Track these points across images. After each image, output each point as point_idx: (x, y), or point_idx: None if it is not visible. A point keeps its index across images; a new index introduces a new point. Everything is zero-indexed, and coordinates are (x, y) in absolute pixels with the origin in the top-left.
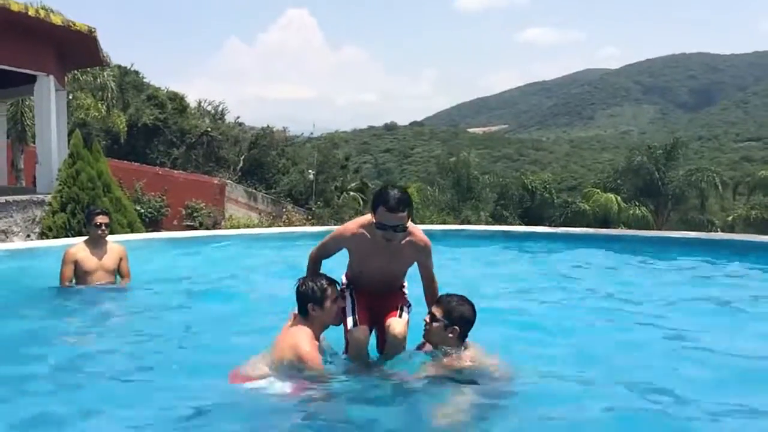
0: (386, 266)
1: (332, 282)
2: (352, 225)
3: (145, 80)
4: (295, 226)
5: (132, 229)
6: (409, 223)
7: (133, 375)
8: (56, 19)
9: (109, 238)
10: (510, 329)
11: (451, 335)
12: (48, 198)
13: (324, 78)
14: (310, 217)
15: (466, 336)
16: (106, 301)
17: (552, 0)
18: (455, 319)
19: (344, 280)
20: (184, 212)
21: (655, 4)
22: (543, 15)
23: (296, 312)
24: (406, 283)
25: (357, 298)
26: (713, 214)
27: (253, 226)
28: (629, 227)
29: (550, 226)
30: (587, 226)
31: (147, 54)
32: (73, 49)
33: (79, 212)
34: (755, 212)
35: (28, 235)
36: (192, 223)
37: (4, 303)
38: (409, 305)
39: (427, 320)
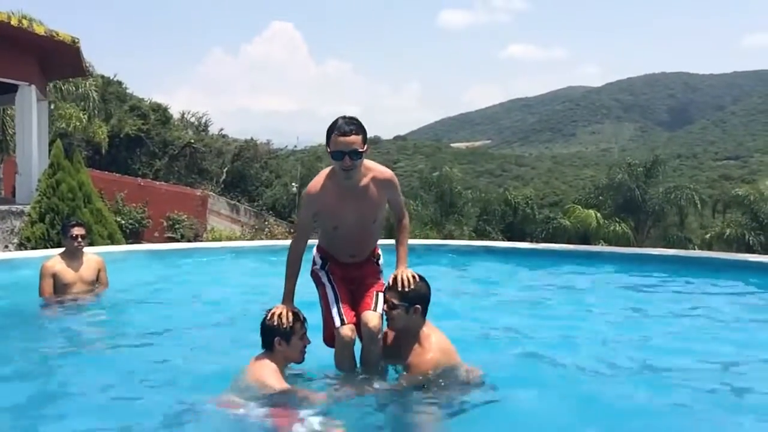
0: (359, 211)
1: (299, 318)
2: (314, 181)
3: (128, 91)
4: (278, 239)
5: (112, 241)
6: (369, 162)
7: (110, 390)
8: (39, 30)
9: (90, 249)
10: (490, 342)
11: (414, 315)
12: (27, 209)
13: (308, 90)
14: (292, 230)
15: (426, 312)
16: (86, 315)
17: (534, 18)
18: (413, 299)
19: (316, 254)
20: (165, 224)
21: (636, 24)
22: (525, 32)
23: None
24: (380, 252)
25: (336, 282)
26: (692, 232)
27: (236, 239)
28: (609, 243)
29: (532, 241)
30: (568, 242)
31: (131, 64)
32: (56, 60)
33: (58, 223)
34: (729, 230)
35: (6, 246)
36: (173, 235)
37: None
38: (384, 287)
39: (387, 309)
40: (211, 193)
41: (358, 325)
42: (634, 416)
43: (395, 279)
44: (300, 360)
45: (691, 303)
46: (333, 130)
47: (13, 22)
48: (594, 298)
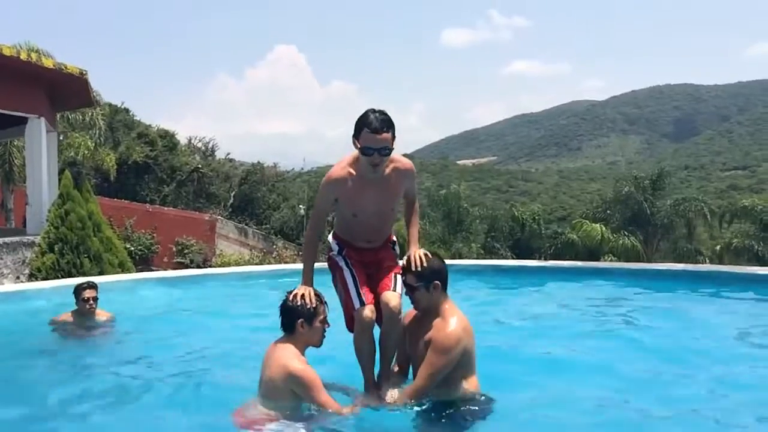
0: (379, 200)
1: (321, 300)
2: (335, 168)
3: (135, 118)
4: (286, 262)
5: (123, 269)
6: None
7: (130, 416)
8: (48, 63)
9: (101, 279)
10: (499, 365)
11: (435, 291)
12: (38, 239)
13: (313, 112)
14: (300, 253)
15: (446, 286)
16: (99, 344)
17: (536, 34)
18: (429, 276)
19: (332, 240)
20: (174, 249)
21: (638, 37)
22: (528, 48)
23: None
24: (394, 237)
25: (354, 265)
26: (702, 243)
27: (244, 263)
28: (618, 257)
29: (540, 257)
30: (576, 256)
31: (137, 91)
32: (65, 91)
33: (67, 252)
34: (737, 240)
35: (18, 277)
36: (182, 260)
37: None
38: (400, 270)
39: (408, 293)
40: (220, 217)
41: (377, 306)
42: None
43: (408, 260)
44: (319, 344)
45: (702, 318)
46: (364, 125)
47: (23, 56)
48: (593, 313)
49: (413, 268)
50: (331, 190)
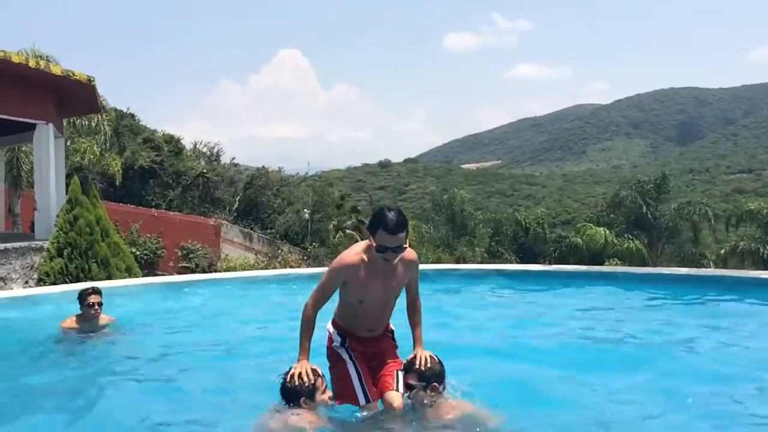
0: (386, 288)
1: (318, 374)
2: (348, 254)
3: (141, 123)
4: (291, 267)
5: (130, 274)
6: None
7: (133, 419)
8: (56, 70)
9: (108, 284)
10: (502, 372)
11: (432, 393)
12: (46, 244)
13: (317, 117)
14: (305, 257)
15: (442, 388)
16: (107, 349)
17: (540, 37)
18: (430, 378)
19: (332, 329)
20: (180, 253)
21: (642, 40)
22: (531, 52)
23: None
24: (392, 327)
25: (357, 359)
26: (707, 247)
27: (249, 268)
28: (623, 261)
29: (544, 261)
30: (581, 260)
31: (143, 96)
32: (72, 98)
33: (76, 257)
34: (743, 243)
35: (27, 282)
36: (188, 265)
37: (9, 353)
38: (402, 366)
39: (406, 390)
40: (225, 221)
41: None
42: None
43: (413, 360)
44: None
45: (705, 321)
46: (381, 225)
47: (31, 63)
48: (619, 320)
49: (417, 368)
50: (343, 273)
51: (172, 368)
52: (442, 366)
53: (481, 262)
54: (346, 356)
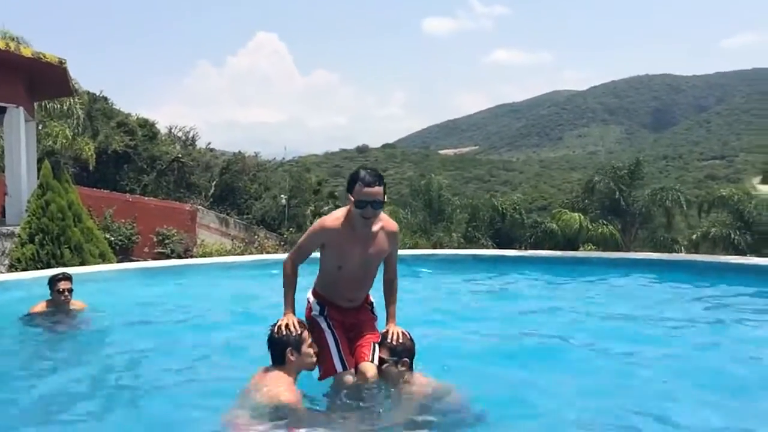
0: (365, 255)
1: (305, 326)
2: (329, 218)
3: (114, 107)
4: (268, 252)
5: (104, 259)
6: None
7: (111, 411)
8: (26, 52)
9: (81, 269)
10: (481, 352)
11: (403, 368)
12: (17, 230)
13: (295, 101)
14: (282, 243)
15: (412, 365)
16: (79, 336)
17: (517, 23)
18: (401, 353)
19: (312, 299)
20: (155, 239)
21: (619, 27)
22: (509, 38)
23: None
24: (372, 299)
25: (335, 328)
26: (679, 232)
27: (226, 253)
28: (597, 245)
29: (520, 247)
30: (556, 246)
31: (116, 79)
32: (43, 80)
33: (47, 243)
34: (715, 229)
35: None
36: (163, 250)
37: None
38: (378, 339)
39: (379, 366)
40: (201, 207)
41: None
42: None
43: (385, 335)
44: (312, 367)
45: (677, 305)
46: (357, 180)
47: (0, 45)
48: (574, 303)
49: (388, 343)
50: (321, 236)
51: (143, 353)
52: (413, 342)
53: (458, 248)
54: (324, 324)
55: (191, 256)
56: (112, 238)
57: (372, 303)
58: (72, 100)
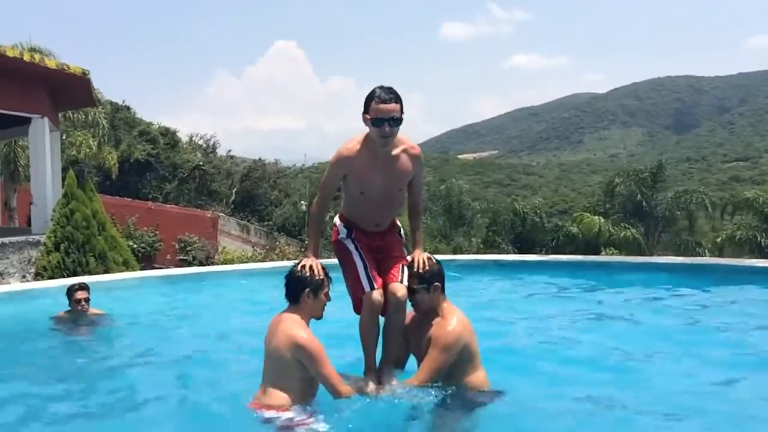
0: (387, 178)
1: (327, 273)
2: (346, 144)
3: (136, 116)
4: (289, 259)
5: (127, 267)
6: (400, 134)
7: (133, 412)
8: (51, 63)
9: (104, 278)
10: (503, 357)
11: (435, 293)
12: (43, 238)
13: (313, 108)
14: (303, 249)
15: (444, 288)
16: (105, 342)
17: (537, 27)
18: (430, 279)
19: (339, 223)
20: (177, 246)
21: (638, 28)
22: (528, 42)
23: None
24: (399, 223)
25: (363, 250)
26: (703, 235)
27: (247, 260)
28: (620, 249)
29: (541, 251)
30: (576, 250)
31: (138, 89)
32: (67, 91)
33: (73, 251)
34: (740, 232)
35: (24, 276)
36: (185, 257)
37: (9, 347)
38: (406, 262)
39: (409, 295)
40: (222, 214)
41: (385, 294)
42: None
43: (412, 263)
44: (321, 316)
45: (699, 310)
46: (372, 98)
47: (26, 57)
48: (614, 309)
49: (416, 271)
50: (342, 165)
51: (163, 360)
52: (440, 265)
53: (477, 253)
54: (351, 246)
55: (213, 263)
56: (135, 246)
57: (399, 227)
58: (96, 110)
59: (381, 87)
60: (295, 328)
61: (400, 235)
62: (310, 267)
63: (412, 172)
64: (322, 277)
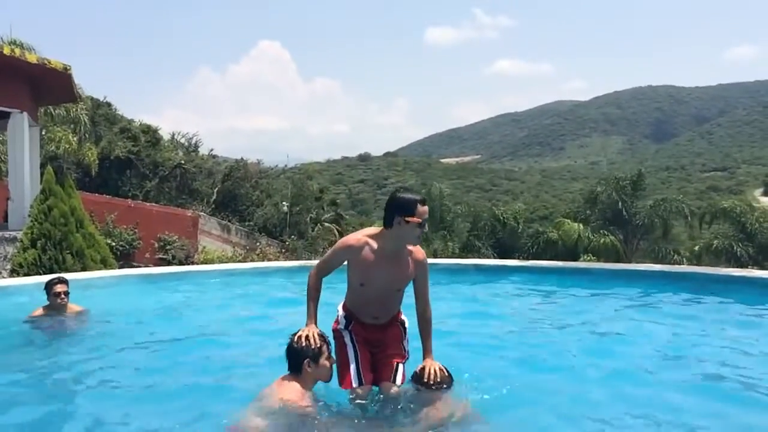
0: (389, 277)
1: (325, 339)
2: (357, 235)
3: (118, 113)
4: (270, 260)
5: (105, 265)
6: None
7: (101, 410)
8: (31, 58)
9: (82, 275)
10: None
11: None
12: (20, 235)
13: (297, 109)
14: (284, 250)
15: None
16: (80, 342)
17: (521, 34)
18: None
19: (341, 312)
20: (156, 245)
21: (621, 38)
22: (512, 48)
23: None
24: (404, 317)
25: (358, 343)
26: (681, 243)
27: (227, 260)
28: (598, 256)
29: (521, 256)
30: (556, 256)
31: (119, 85)
32: (48, 86)
33: (50, 248)
34: (717, 241)
35: (0, 273)
36: (165, 256)
37: None
38: (406, 358)
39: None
40: (202, 213)
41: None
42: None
43: (423, 371)
44: (329, 379)
45: (676, 318)
46: (414, 202)
47: (6, 51)
48: (591, 315)
49: (426, 382)
50: (345, 253)
51: (140, 358)
52: (451, 378)
53: (452, 256)
54: (347, 339)
55: (192, 263)
56: (114, 244)
57: (404, 320)
58: (78, 107)
59: (405, 189)
60: (293, 397)
61: (404, 329)
62: (306, 337)
63: (414, 275)
64: (320, 345)
